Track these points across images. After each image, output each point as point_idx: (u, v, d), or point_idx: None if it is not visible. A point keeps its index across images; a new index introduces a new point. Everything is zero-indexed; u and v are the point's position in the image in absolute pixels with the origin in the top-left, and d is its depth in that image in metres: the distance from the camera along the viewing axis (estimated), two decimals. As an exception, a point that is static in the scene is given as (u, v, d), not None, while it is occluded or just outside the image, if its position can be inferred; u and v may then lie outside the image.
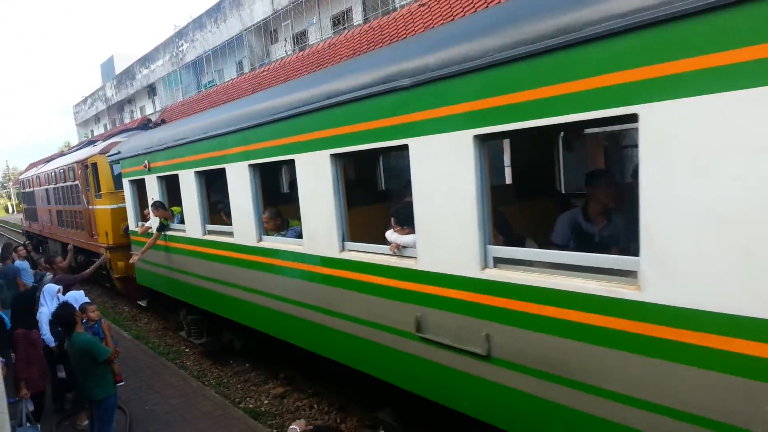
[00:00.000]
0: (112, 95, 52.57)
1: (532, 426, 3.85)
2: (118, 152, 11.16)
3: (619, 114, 3.06)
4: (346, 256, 5.36)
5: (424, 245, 4.47)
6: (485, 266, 4.01)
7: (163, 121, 15.57)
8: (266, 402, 7.96)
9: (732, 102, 2.63)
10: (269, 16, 30.98)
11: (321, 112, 5.31)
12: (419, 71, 4.18)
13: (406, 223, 4.76)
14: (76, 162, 15.19)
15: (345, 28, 25.13)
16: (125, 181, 11.06)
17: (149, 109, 44.97)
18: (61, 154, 21.34)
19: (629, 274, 3.23)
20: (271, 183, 10.12)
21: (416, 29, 11.02)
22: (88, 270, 9.89)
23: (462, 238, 4.09)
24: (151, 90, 46.26)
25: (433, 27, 10.02)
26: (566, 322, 3.50)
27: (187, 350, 10.58)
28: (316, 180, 5.54)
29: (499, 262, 3.99)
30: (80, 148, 18.07)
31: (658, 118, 2.90)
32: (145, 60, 45.26)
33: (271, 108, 6.10)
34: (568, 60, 3.24)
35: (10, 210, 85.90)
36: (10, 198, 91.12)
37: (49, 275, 8.97)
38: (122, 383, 6.33)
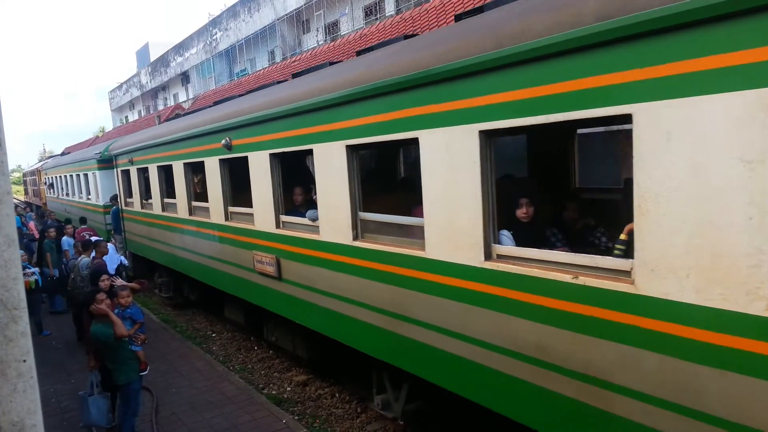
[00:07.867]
0: (147, 82, 53.44)
1: None
2: (42, 167, 32.82)
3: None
4: None
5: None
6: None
7: (64, 152, 33.21)
8: (289, 389, 8.07)
9: None
10: (302, 6, 31.07)
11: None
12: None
13: None
14: (37, 168, 36.55)
15: (377, 19, 25.06)
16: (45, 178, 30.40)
17: (182, 96, 45.61)
18: (49, 157, 40.43)
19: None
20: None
21: (448, 20, 10.90)
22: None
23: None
24: (184, 78, 46.88)
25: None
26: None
27: (213, 335, 10.77)
28: None
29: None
30: (39, 163, 42.72)
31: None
32: (180, 48, 45.87)
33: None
34: None
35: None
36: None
37: (84, 258, 9.34)
38: (146, 372, 6.45)
